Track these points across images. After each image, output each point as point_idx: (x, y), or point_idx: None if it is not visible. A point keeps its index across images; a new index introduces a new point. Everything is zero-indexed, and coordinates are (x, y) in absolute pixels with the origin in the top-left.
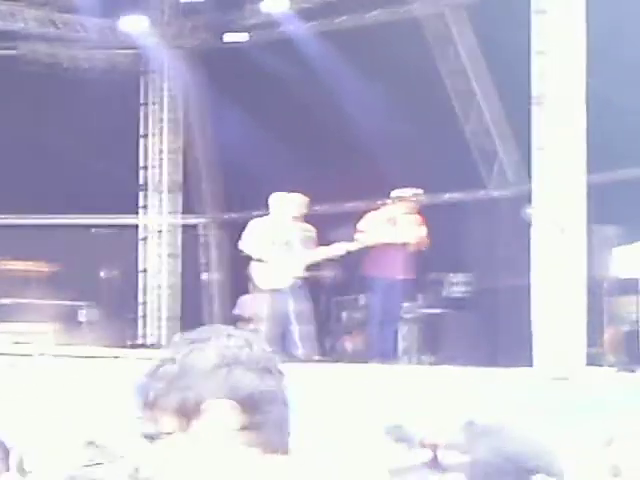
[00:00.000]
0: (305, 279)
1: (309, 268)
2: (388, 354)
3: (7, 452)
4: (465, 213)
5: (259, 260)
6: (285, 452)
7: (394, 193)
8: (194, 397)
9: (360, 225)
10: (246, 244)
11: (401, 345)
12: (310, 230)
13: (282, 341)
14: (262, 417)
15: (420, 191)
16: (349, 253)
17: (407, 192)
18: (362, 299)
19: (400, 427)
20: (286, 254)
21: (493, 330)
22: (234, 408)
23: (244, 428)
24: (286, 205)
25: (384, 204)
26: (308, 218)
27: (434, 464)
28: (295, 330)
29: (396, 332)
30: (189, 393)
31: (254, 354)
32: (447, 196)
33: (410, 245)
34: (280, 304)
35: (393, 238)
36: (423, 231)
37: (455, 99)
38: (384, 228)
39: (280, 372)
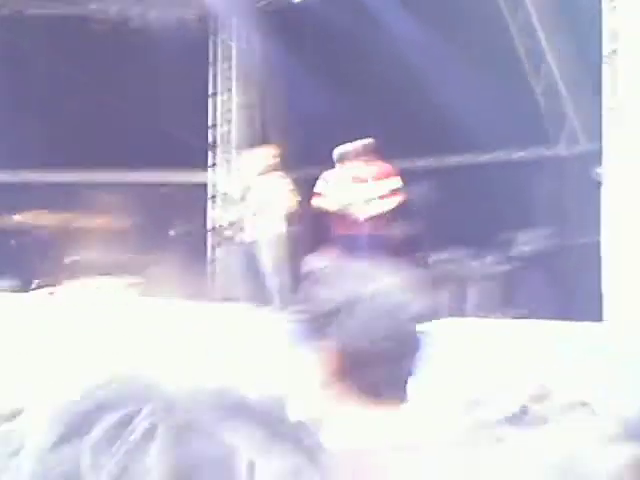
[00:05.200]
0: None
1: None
2: None
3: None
4: (535, 172)
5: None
6: (395, 405)
7: (341, 149)
8: (309, 334)
9: (318, 187)
10: None
11: (474, 301)
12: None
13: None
14: (359, 374)
15: (370, 141)
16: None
17: (357, 145)
18: (435, 257)
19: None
20: (243, 211)
21: (563, 287)
22: (332, 356)
23: (339, 379)
24: (249, 161)
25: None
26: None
27: (520, 418)
28: None
29: None
30: (306, 328)
31: (367, 311)
32: (517, 154)
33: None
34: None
35: (340, 204)
36: (389, 186)
37: (525, 58)
38: (343, 191)
39: (399, 337)
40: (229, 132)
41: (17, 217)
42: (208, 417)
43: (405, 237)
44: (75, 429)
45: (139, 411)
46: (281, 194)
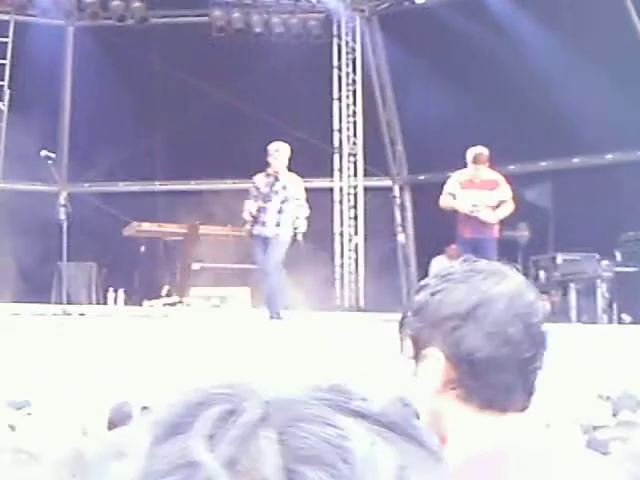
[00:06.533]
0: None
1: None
2: None
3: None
4: None
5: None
6: (504, 411)
7: (473, 151)
8: (423, 338)
9: (448, 187)
10: None
11: (600, 304)
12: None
13: None
14: (482, 381)
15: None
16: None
17: (483, 150)
18: (559, 258)
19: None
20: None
21: None
22: (449, 363)
23: (458, 385)
24: (277, 155)
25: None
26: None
27: None
28: None
29: None
30: (422, 332)
31: (496, 315)
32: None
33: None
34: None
35: (469, 206)
36: (504, 195)
37: None
38: (463, 193)
39: (529, 340)
40: (354, 135)
41: (144, 226)
42: (312, 410)
43: (529, 240)
44: (180, 422)
45: (245, 403)
46: (300, 199)
